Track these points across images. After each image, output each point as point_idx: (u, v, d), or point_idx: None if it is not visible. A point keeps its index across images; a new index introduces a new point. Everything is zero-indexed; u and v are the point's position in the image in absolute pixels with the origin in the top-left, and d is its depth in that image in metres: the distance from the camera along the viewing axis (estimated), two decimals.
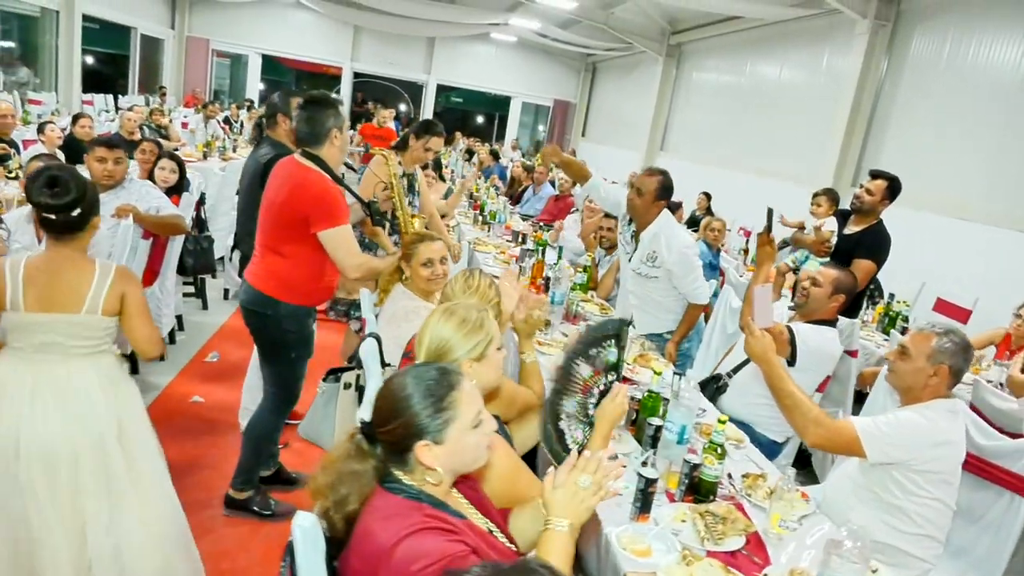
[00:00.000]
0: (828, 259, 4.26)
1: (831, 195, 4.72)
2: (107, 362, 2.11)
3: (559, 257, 4.38)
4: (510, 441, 1.91)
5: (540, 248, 4.60)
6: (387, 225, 3.50)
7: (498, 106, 20.40)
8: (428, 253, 2.78)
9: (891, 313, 4.67)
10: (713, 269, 5.53)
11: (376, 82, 19.50)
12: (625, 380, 2.92)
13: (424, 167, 6.11)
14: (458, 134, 16.79)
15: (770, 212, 3.24)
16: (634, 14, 12.63)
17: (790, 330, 2.91)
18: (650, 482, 1.87)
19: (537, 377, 2.29)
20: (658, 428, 2.20)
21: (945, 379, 2.25)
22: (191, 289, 5.26)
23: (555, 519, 1.37)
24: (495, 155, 13.17)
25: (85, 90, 13.32)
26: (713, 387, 3.23)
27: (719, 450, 2.01)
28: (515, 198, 9.25)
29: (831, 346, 2.98)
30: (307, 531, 1.21)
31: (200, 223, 4.73)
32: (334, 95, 3.02)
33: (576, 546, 2.04)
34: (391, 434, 1.31)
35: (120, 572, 2.03)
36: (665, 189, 3.54)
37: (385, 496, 1.30)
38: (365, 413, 1.38)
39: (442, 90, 19.29)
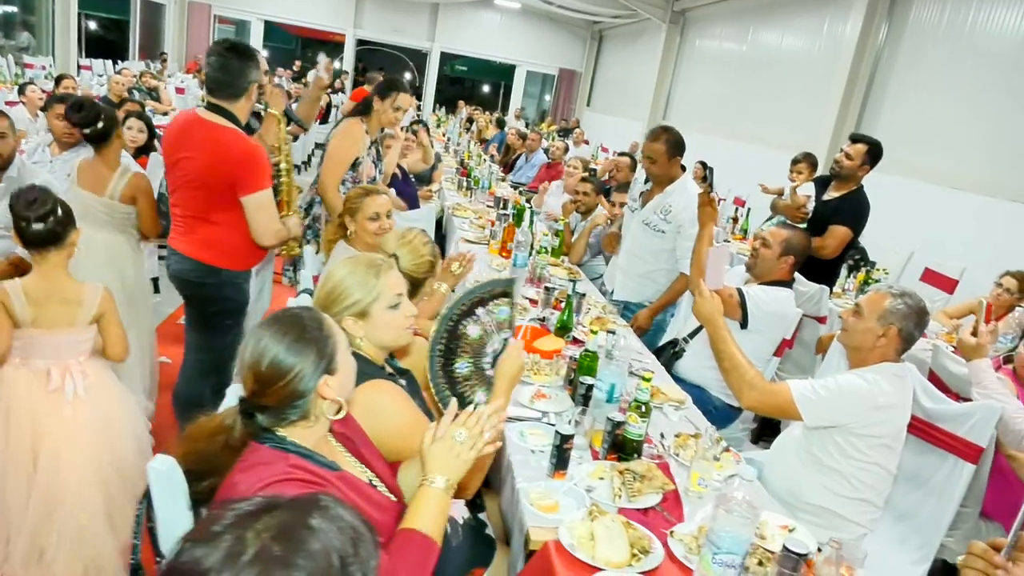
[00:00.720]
0: (804, 225, 4.18)
1: (810, 160, 4.61)
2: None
3: (531, 221, 4.32)
4: (419, 397, 1.87)
5: (516, 212, 4.56)
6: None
7: (503, 75, 20.17)
8: (374, 207, 2.74)
9: (870, 281, 4.59)
10: None
11: (380, 50, 19.33)
12: (575, 342, 2.89)
13: (403, 129, 6.05)
14: (461, 103, 16.66)
15: (710, 170, 3.19)
16: None
17: (740, 292, 2.85)
18: (565, 438, 1.84)
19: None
20: (589, 387, 2.17)
21: (894, 342, 2.19)
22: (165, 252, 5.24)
23: (430, 474, 1.34)
24: (500, 124, 13.05)
25: (88, 55, 13.28)
26: (670, 351, 3.19)
27: (643, 408, 1.97)
28: (508, 165, 9.16)
29: (784, 307, 2.93)
30: (162, 474, 1.18)
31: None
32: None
33: (497, 503, 2.05)
34: (280, 392, 1.27)
35: None
36: (675, 145, 3.46)
37: (254, 448, 1.28)
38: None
39: (447, 59, 19.06)
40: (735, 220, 6.96)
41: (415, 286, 2.25)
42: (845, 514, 2.22)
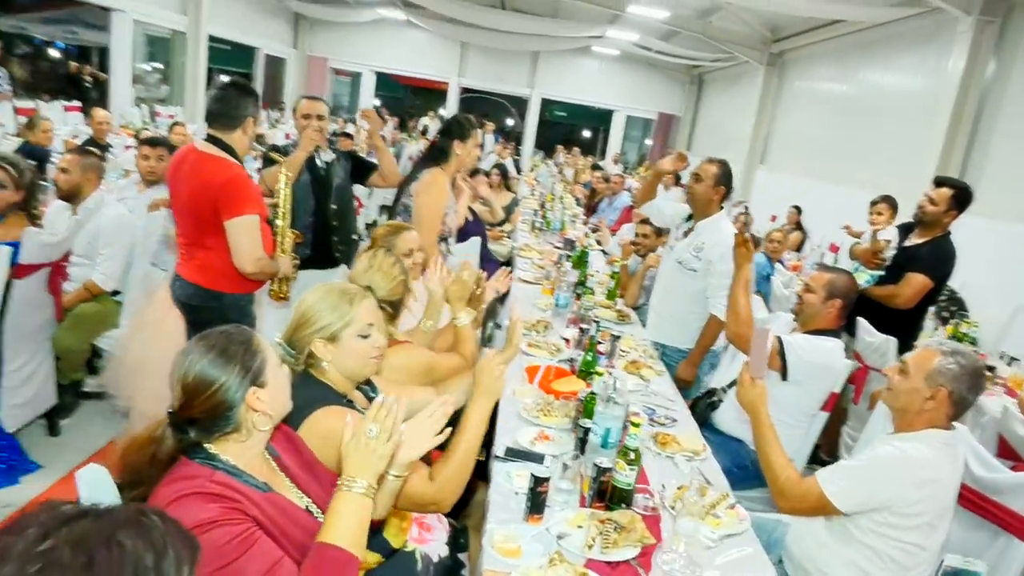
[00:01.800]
0: (882, 272, 3.92)
1: (890, 202, 4.31)
2: None
3: (583, 261, 4.27)
4: None
5: (579, 254, 4.52)
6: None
7: (602, 120, 20.26)
8: (406, 244, 2.80)
9: (957, 335, 4.21)
10: (767, 281, 5.22)
11: (483, 97, 19.94)
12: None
13: (473, 173, 6.18)
14: (559, 147, 16.87)
15: (745, 208, 3.05)
16: (733, 22, 12.20)
17: (780, 340, 2.68)
18: (539, 481, 1.78)
19: (469, 340, 2.30)
20: (587, 431, 2.10)
21: (944, 406, 1.98)
22: None
23: (347, 476, 1.32)
24: (595, 168, 13.12)
25: None
26: (706, 401, 3.04)
27: (631, 455, 1.88)
28: (591, 208, 9.15)
29: (828, 357, 2.72)
30: (90, 482, 1.23)
31: None
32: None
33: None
34: (205, 405, 1.31)
35: None
36: (725, 176, 3.40)
37: (184, 463, 1.31)
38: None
39: (546, 104, 19.40)
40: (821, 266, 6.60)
41: (396, 307, 2.28)
42: None
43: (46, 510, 0.80)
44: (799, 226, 8.65)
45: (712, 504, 1.99)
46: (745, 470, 2.75)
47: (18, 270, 2.89)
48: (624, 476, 1.88)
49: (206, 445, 1.33)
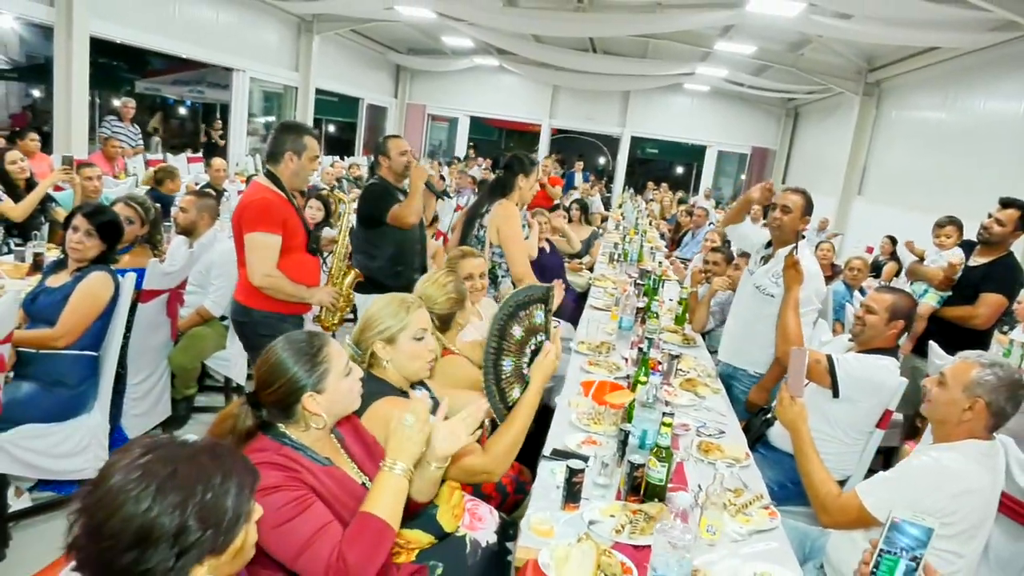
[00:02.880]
0: (949, 293, 3.87)
1: (956, 223, 4.24)
2: None
3: (654, 290, 4.41)
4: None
5: (652, 283, 4.66)
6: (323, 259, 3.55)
7: (695, 156, 20.20)
8: (469, 268, 3.07)
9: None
10: (843, 309, 5.15)
11: (575, 137, 20.35)
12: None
13: (553, 208, 6.44)
14: (650, 184, 16.97)
15: (787, 231, 3.12)
16: (825, 54, 12.04)
17: (830, 359, 2.74)
18: (574, 472, 1.96)
19: None
20: (627, 433, 2.26)
21: (982, 417, 2.01)
22: None
23: (389, 459, 1.55)
24: (681, 202, 13.17)
25: (327, 153, 15.62)
26: (760, 420, 3.10)
27: (663, 452, 2.03)
28: (676, 241, 9.21)
29: (883, 375, 2.75)
30: None
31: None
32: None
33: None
34: (275, 394, 1.57)
35: None
36: (809, 205, 3.41)
37: (259, 438, 1.57)
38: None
39: (637, 142, 19.57)
40: None
41: (446, 320, 2.52)
42: None
43: (148, 439, 1.07)
44: (894, 256, 8.37)
45: (745, 504, 2.10)
46: (798, 485, 2.79)
47: (142, 295, 3.34)
48: (656, 472, 2.02)
49: (278, 425, 1.59)
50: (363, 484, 1.67)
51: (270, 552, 1.43)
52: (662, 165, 22.85)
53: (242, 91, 12.42)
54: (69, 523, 0.99)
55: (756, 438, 3.07)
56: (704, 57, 13.75)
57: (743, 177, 20.17)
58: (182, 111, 18.10)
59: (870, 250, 9.65)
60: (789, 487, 2.79)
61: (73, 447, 2.90)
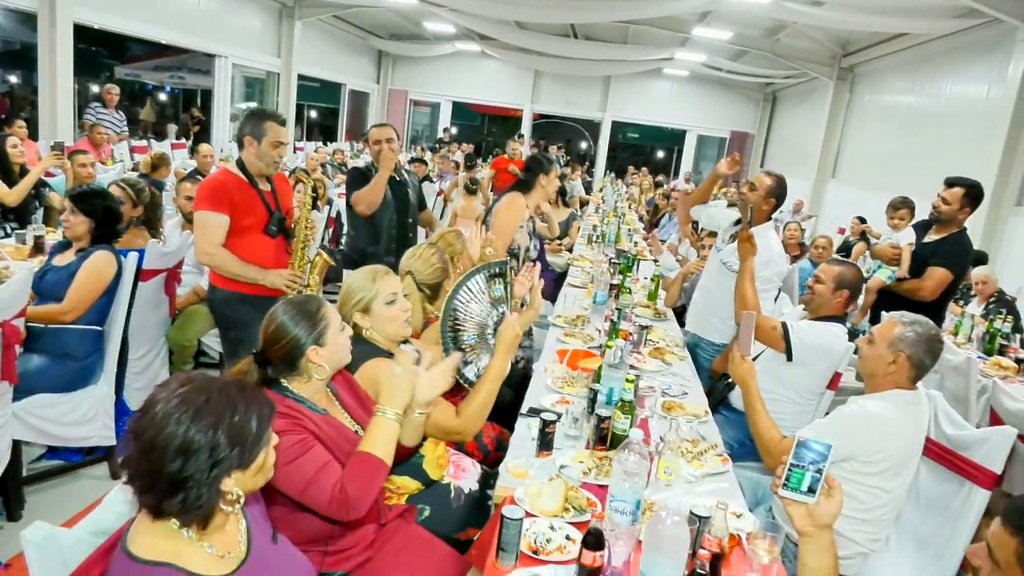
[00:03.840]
0: (900, 267, 4.12)
1: (911, 206, 4.50)
2: None
3: (629, 268, 4.64)
4: None
5: (627, 262, 4.90)
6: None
7: (675, 140, 20.47)
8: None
9: (991, 329, 4.33)
10: None
11: (558, 122, 20.53)
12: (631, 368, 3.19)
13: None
14: (631, 168, 17.19)
15: (748, 208, 3.36)
16: (800, 39, 12.31)
17: (784, 326, 2.99)
18: (547, 423, 2.19)
19: None
20: (595, 392, 2.49)
21: (904, 369, 2.26)
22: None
23: (380, 406, 1.77)
24: (658, 185, 13.42)
25: (310, 139, 15.71)
26: (723, 384, 3.35)
27: (627, 406, 2.26)
28: (654, 223, 9.46)
29: (833, 341, 3.00)
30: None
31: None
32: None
33: None
34: (282, 350, 1.78)
35: None
36: (778, 189, 3.62)
37: (265, 392, 1.78)
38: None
39: (618, 127, 19.78)
40: None
41: (435, 289, 2.75)
42: (843, 531, 2.28)
43: (184, 375, 1.28)
44: (863, 236, 8.68)
45: (701, 452, 2.34)
46: (744, 446, 3.04)
47: (142, 274, 3.52)
48: (620, 423, 2.26)
49: (281, 380, 1.80)
50: (356, 431, 1.88)
51: (281, 488, 1.65)
52: (643, 150, 23.08)
53: (224, 77, 12.48)
54: (123, 446, 1.21)
55: (718, 401, 3.32)
56: (683, 42, 13.98)
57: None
58: (163, 97, 18.05)
59: (842, 231, 9.96)
60: (747, 444, 3.02)
61: (82, 416, 3.09)
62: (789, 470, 1.47)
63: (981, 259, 5.96)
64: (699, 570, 1.47)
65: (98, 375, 3.19)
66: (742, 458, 2.90)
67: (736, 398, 3.26)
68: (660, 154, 23.00)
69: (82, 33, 9.05)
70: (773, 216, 3.74)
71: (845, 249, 8.76)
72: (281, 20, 13.73)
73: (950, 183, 3.91)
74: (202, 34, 11.62)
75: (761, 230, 3.67)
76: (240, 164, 3.15)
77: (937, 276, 3.82)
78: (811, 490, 1.44)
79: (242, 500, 1.28)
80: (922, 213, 6.45)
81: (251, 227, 3.15)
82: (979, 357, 4.22)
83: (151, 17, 10.37)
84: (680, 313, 4.59)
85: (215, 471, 1.20)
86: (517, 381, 3.22)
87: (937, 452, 2.44)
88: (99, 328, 3.17)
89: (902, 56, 10.56)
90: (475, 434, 2.17)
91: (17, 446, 2.91)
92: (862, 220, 8.89)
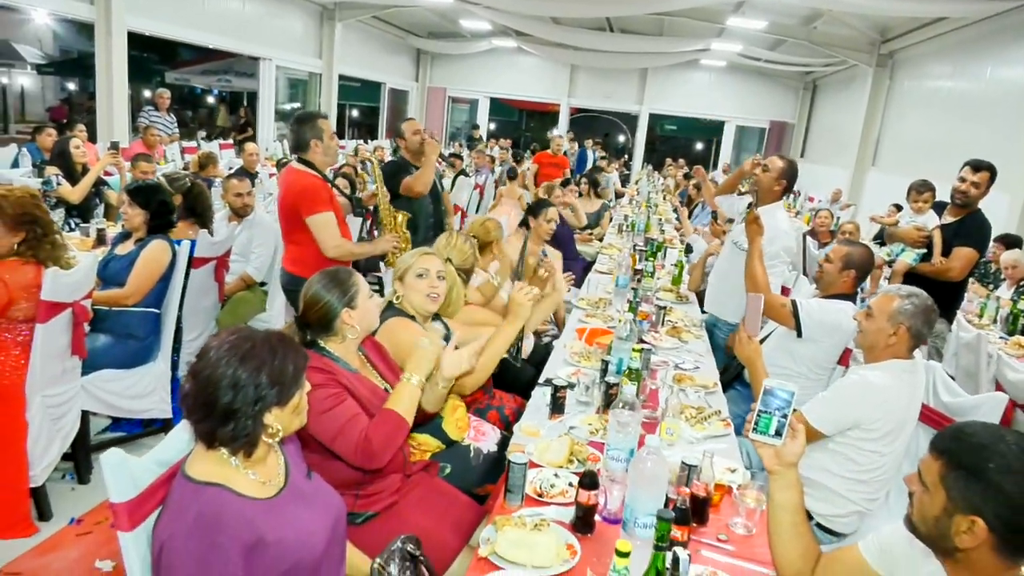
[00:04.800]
0: (925, 251, 4.19)
1: (930, 187, 4.54)
2: None
3: (654, 254, 4.80)
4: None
5: (654, 248, 5.06)
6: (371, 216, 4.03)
7: (714, 131, 20.35)
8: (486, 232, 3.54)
9: (1015, 311, 4.36)
10: None
11: (594, 116, 20.61)
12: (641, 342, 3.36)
13: (566, 182, 6.87)
14: (668, 160, 17.18)
15: (755, 192, 3.51)
16: (838, 26, 12.19)
17: (794, 303, 3.12)
18: (558, 388, 2.39)
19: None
20: (606, 363, 2.68)
21: (904, 340, 2.38)
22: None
23: (407, 373, 1.99)
24: (687, 177, 13.43)
25: (352, 137, 16.18)
26: (736, 362, 3.49)
27: (634, 374, 2.44)
28: (688, 214, 9.53)
29: (838, 317, 3.11)
30: None
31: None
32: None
33: None
34: (318, 313, 2.02)
35: None
36: (789, 172, 3.79)
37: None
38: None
39: (656, 119, 19.75)
40: None
41: (468, 272, 2.99)
42: (839, 490, 2.43)
43: (234, 328, 1.51)
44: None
45: (705, 417, 2.51)
46: None
47: (193, 262, 3.82)
48: (628, 389, 2.44)
49: (319, 341, 2.04)
50: (384, 388, 2.11)
51: (314, 435, 1.88)
52: (681, 142, 23.01)
53: (268, 79, 12.92)
54: (182, 384, 1.45)
55: (733, 377, 3.47)
56: (719, 33, 13.93)
57: (762, 151, 20.29)
58: (210, 100, 18.70)
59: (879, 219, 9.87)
60: None
61: (142, 390, 3.39)
62: (758, 416, 1.63)
63: (1015, 243, 5.93)
64: (680, 505, 1.64)
65: (156, 353, 3.49)
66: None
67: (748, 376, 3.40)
68: (699, 146, 22.89)
69: (134, 40, 9.52)
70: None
71: (880, 237, 8.71)
72: (322, 22, 14.13)
73: (976, 167, 3.94)
74: (247, 38, 12.07)
75: (770, 209, 3.80)
76: (309, 164, 3.39)
77: (964, 256, 3.89)
78: (778, 433, 1.60)
79: (280, 434, 1.51)
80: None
81: (339, 218, 3.46)
82: (1001, 337, 4.27)
83: (199, 23, 10.84)
84: (703, 298, 4.74)
85: (258, 405, 1.43)
86: (539, 359, 3.43)
87: (935, 419, 2.56)
88: (157, 311, 3.48)
89: (942, 41, 10.40)
90: (480, 384, 2.42)
91: (85, 417, 3.22)
92: (898, 208, 8.81)
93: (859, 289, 3.32)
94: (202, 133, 13.56)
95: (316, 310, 2.00)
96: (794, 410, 1.63)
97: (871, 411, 2.33)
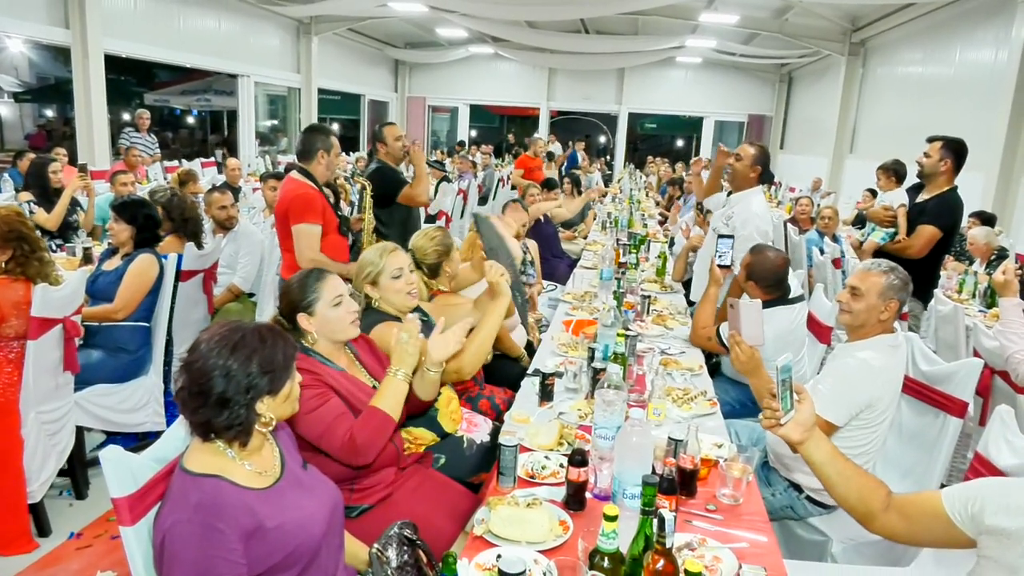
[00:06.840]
0: (893, 230, 4.25)
1: (897, 168, 4.63)
2: None
3: (637, 247, 4.86)
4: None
5: (637, 241, 5.14)
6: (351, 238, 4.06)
7: (693, 128, 20.52)
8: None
9: (991, 284, 4.45)
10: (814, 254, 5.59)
11: (574, 118, 20.74)
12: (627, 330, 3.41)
13: (550, 183, 6.94)
14: (649, 158, 17.32)
15: (796, 194, 3.59)
16: (809, 17, 12.34)
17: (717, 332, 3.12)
18: (546, 376, 2.44)
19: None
20: (593, 350, 2.73)
21: (893, 313, 2.40)
22: None
23: (391, 367, 2.03)
24: (675, 179, 13.56)
25: None
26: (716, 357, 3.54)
27: (619, 358, 2.49)
28: (668, 209, 9.63)
29: (783, 324, 3.08)
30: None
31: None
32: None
33: None
34: (284, 310, 2.07)
35: None
36: (762, 158, 3.90)
37: None
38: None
39: (635, 119, 19.90)
40: None
41: (434, 269, 3.02)
42: None
43: (224, 321, 1.56)
44: None
45: (691, 397, 2.56)
46: (754, 404, 3.21)
47: (181, 275, 3.84)
48: (613, 367, 2.48)
49: (303, 342, 2.07)
50: (373, 386, 2.15)
51: (302, 434, 1.91)
52: (663, 139, 23.17)
53: (248, 96, 12.95)
54: (175, 378, 1.49)
55: (716, 366, 3.53)
56: (693, 29, 14.07)
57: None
58: (190, 120, 18.68)
59: (860, 205, 10.02)
60: (749, 405, 3.18)
61: (135, 404, 3.42)
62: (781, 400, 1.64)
63: (989, 220, 6.04)
64: (666, 476, 1.69)
65: (148, 367, 3.52)
66: (743, 418, 3.05)
67: (725, 366, 3.46)
68: (680, 143, 23.06)
69: (112, 63, 9.53)
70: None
71: (860, 221, 8.83)
72: (299, 36, 14.18)
73: (930, 139, 4.03)
74: (224, 55, 12.09)
75: (747, 194, 3.88)
76: (308, 175, 3.44)
77: (925, 234, 3.94)
78: (792, 407, 1.63)
79: (273, 423, 1.55)
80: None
81: (331, 231, 3.51)
82: (980, 311, 4.35)
83: (175, 43, 10.86)
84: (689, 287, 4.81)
85: (251, 393, 1.47)
86: (528, 352, 3.48)
87: (915, 388, 2.62)
88: (147, 324, 3.50)
89: (911, 27, 10.58)
90: (478, 365, 2.44)
91: (80, 433, 3.24)
92: (873, 193, 8.94)
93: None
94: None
95: (284, 305, 2.06)
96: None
97: (878, 391, 2.32)
